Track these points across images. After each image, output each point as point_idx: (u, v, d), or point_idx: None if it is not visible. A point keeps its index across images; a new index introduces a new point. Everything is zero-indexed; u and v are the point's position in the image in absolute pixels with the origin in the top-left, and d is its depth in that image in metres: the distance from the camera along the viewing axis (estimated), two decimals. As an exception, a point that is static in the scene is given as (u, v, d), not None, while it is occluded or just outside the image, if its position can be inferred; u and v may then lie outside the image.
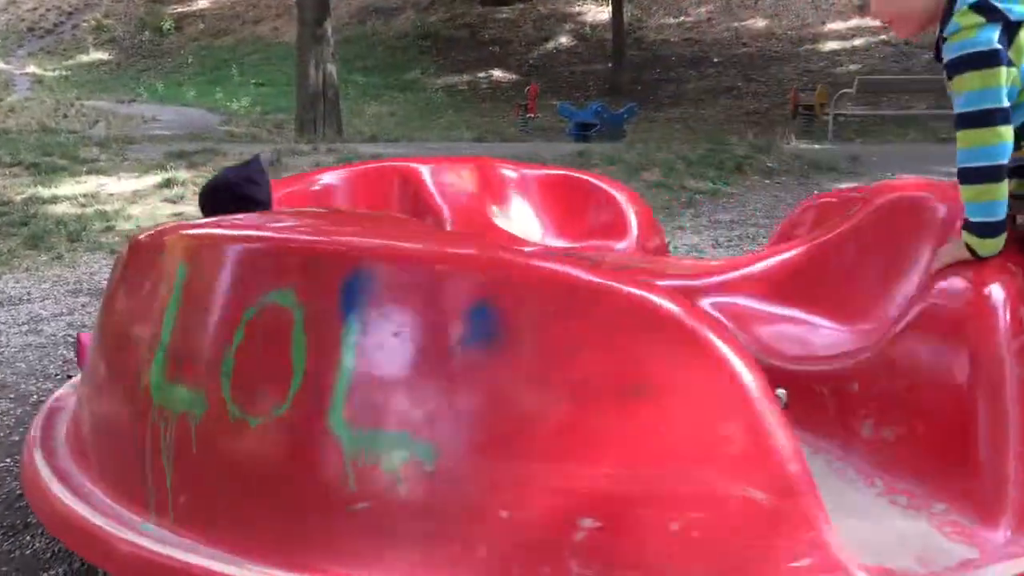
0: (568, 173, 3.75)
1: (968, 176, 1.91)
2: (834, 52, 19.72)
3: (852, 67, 18.32)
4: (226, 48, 25.44)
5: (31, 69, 24.67)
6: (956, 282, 1.91)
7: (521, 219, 3.53)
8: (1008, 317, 1.82)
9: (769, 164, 10.39)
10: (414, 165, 3.54)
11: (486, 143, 12.51)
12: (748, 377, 1.57)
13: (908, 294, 2.18)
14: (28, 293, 4.96)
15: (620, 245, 3.33)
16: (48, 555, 2.30)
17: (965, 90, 1.88)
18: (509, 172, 3.65)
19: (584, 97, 18.44)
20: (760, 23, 21.62)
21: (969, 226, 1.94)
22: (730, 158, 10.33)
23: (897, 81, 16.57)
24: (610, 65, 20.30)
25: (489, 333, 1.56)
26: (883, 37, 19.74)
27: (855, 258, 2.50)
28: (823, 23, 20.92)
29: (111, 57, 26.37)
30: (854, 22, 20.65)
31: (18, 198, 7.30)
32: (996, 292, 1.85)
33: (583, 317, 1.56)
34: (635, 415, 1.53)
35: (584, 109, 15.11)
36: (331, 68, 13.52)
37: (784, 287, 2.56)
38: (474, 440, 1.54)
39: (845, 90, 15.02)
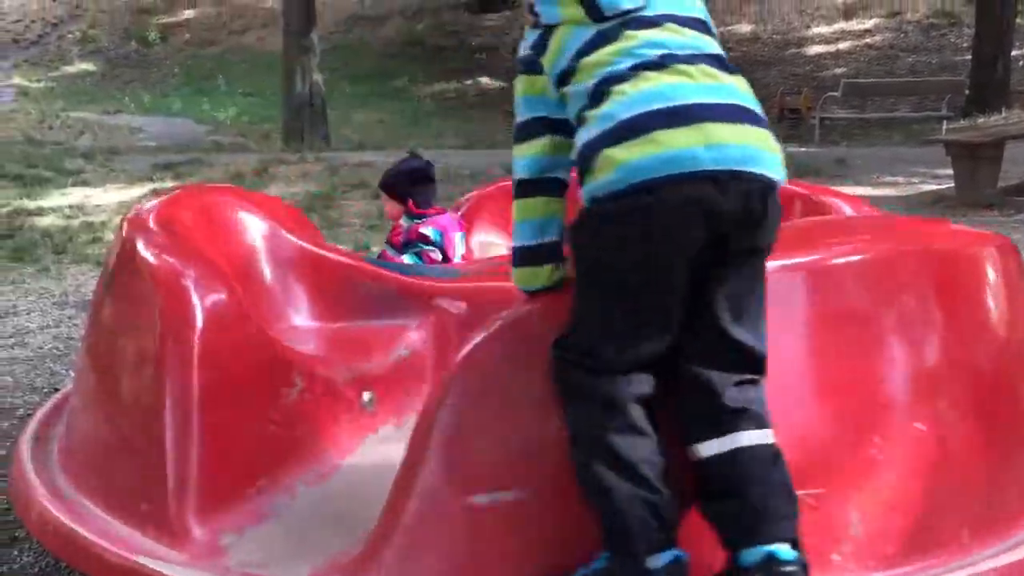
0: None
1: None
2: (819, 56, 19.79)
3: (837, 70, 18.39)
4: (212, 58, 25.36)
5: (15, 80, 24.53)
6: None
7: None
8: None
9: (756, 168, 10.40)
10: None
11: (475, 150, 12.49)
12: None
13: None
14: (14, 306, 4.92)
15: None
16: (36, 570, 2.28)
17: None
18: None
19: (571, 103, 18.44)
20: (745, 27, 21.69)
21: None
22: (717, 162, 10.33)
23: (882, 84, 16.64)
24: (597, 71, 20.34)
25: None
26: (868, 41, 19.83)
27: None
28: (808, 27, 21.00)
29: (97, 68, 26.25)
30: (839, 26, 20.74)
31: (3, 211, 7.26)
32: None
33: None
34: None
35: (571, 115, 15.06)
36: (317, 77, 13.49)
37: None
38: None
39: (831, 93, 15.08)
